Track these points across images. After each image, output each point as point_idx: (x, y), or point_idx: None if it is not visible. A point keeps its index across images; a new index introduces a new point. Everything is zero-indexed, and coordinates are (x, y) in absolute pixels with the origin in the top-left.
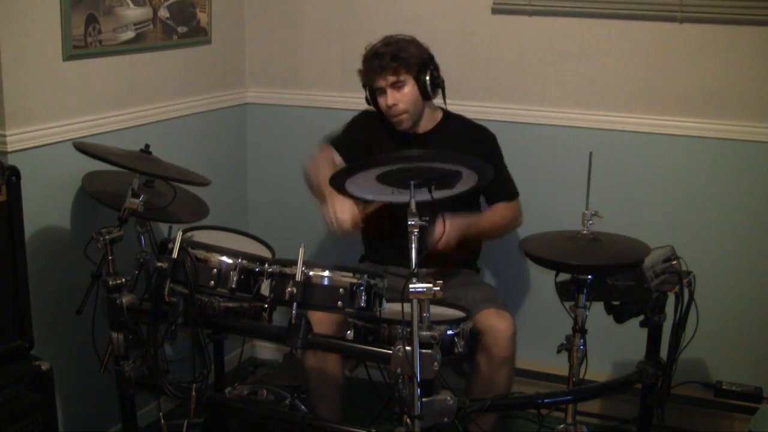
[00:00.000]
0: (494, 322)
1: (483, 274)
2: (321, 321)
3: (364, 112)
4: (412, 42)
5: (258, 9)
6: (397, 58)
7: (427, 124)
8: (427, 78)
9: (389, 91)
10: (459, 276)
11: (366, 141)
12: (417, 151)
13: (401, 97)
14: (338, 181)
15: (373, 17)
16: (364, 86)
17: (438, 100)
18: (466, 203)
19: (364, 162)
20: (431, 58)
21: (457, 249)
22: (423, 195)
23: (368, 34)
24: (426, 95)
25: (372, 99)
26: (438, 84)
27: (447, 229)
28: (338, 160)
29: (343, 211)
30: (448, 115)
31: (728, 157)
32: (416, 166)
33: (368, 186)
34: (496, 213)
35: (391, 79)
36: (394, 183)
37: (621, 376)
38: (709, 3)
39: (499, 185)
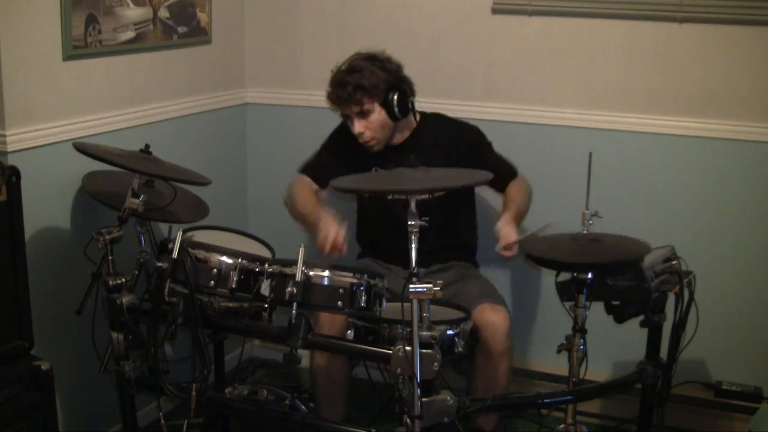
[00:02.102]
0: (489, 316)
1: (482, 273)
2: (328, 322)
3: (343, 123)
4: (379, 63)
5: (258, 9)
6: (360, 87)
7: (401, 134)
8: (395, 100)
9: (355, 120)
10: (457, 270)
11: (347, 152)
12: (418, 185)
13: (368, 124)
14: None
15: (372, 17)
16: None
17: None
18: (460, 200)
19: (365, 191)
20: (399, 77)
21: (448, 241)
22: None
23: (368, 34)
24: (395, 117)
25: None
26: (406, 104)
27: (509, 234)
28: (315, 187)
29: (330, 231)
30: (425, 116)
31: (728, 157)
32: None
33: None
34: (516, 192)
35: (356, 108)
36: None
37: (621, 376)
38: (709, 3)
39: (499, 171)
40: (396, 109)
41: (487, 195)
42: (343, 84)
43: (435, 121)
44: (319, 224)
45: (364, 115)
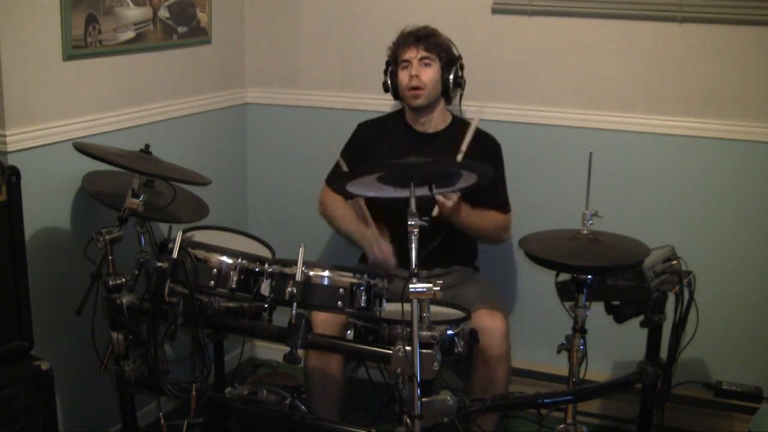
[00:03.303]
0: (486, 321)
1: (482, 274)
2: (324, 322)
3: (360, 126)
4: (449, 39)
5: (258, 9)
6: (434, 37)
7: (438, 123)
8: (451, 76)
9: (415, 63)
10: (457, 274)
11: (371, 147)
12: (415, 161)
13: (425, 72)
14: (339, 184)
15: (372, 18)
16: (387, 67)
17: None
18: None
19: (367, 166)
20: (460, 59)
21: (452, 246)
22: (424, 191)
23: (368, 34)
24: (446, 88)
25: (392, 79)
26: (459, 84)
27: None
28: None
29: (387, 251)
30: (456, 119)
31: (728, 157)
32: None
33: (368, 185)
34: (486, 214)
35: (422, 53)
36: (394, 182)
37: (621, 376)
38: (709, 3)
39: (493, 194)
40: (450, 84)
41: None
42: (418, 29)
43: (464, 124)
44: (367, 245)
45: (425, 62)
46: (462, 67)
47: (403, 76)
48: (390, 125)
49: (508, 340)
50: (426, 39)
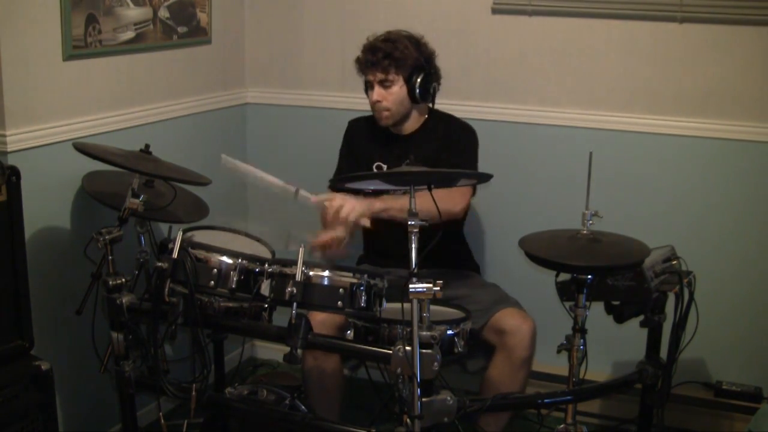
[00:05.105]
0: (518, 322)
1: (483, 274)
2: (322, 323)
3: (350, 123)
4: (414, 41)
5: (258, 9)
6: (390, 56)
7: (413, 124)
8: (418, 82)
9: (376, 87)
10: (461, 277)
11: (359, 145)
12: (412, 171)
13: (387, 95)
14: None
15: (372, 17)
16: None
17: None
18: None
19: (358, 175)
20: (429, 60)
21: (442, 247)
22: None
23: (368, 34)
24: (414, 98)
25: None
26: (428, 89)
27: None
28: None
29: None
30: (434, 114)
31: (728, 157)
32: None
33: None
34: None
35: (380, 76)
36: (394, 182)
37: (621, 376)
38: (709, 3)
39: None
40: (417, 91)
41: (483, 201)
42: (375, 50)
43: (441, 119)
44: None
45: (385, 84)
46: (434, 71)
47: (370, 96)
48: (373, 125)
49: (535, 343)
50: (383, 60)
